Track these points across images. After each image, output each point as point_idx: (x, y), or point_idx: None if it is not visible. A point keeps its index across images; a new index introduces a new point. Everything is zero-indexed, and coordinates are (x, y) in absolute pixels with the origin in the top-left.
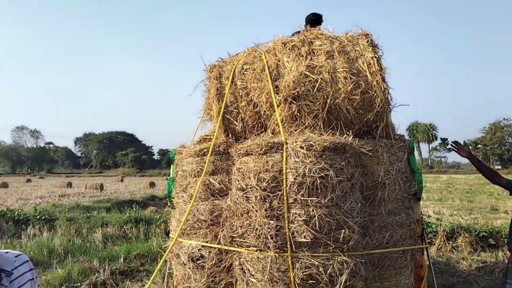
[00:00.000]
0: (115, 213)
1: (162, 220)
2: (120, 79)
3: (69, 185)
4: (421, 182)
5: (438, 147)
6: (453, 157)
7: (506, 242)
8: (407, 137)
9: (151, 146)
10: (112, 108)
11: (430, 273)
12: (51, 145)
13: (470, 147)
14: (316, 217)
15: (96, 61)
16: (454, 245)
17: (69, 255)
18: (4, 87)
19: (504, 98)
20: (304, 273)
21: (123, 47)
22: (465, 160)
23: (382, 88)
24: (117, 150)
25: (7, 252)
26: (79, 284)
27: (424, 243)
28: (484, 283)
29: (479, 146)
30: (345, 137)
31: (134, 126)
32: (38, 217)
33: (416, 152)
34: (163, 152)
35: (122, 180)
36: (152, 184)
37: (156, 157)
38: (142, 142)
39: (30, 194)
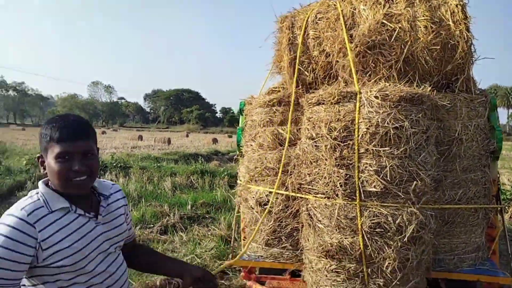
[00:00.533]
0: (182, 164)
1: (225, 173)
2: (185, 38)
3: (140, 138)
4: (501, 141)
5: None
6: None
7: None
8: None
9: (214, 104)
10: (178, 67)
11: (505, 237)
12: (122, 100)
13: None
14: (388, 167)
15: (164, 20)
16: None
17: (143, 200)
18: (80, 44)
19: None
20: (372, 221)
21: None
22: None
23: (465, 38)
24: (183, 107)
25: (104, 181)
26: (152, 225)
27: (499, 203)
28: None
29: None
30: (422, 89)
31: (198, 84)
32: (114, 164)
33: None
34: (225, 111)
35: (187, 136)
36: (215, 140)
37: (218, 115)
38: (206, 100)
39: (106, 145)
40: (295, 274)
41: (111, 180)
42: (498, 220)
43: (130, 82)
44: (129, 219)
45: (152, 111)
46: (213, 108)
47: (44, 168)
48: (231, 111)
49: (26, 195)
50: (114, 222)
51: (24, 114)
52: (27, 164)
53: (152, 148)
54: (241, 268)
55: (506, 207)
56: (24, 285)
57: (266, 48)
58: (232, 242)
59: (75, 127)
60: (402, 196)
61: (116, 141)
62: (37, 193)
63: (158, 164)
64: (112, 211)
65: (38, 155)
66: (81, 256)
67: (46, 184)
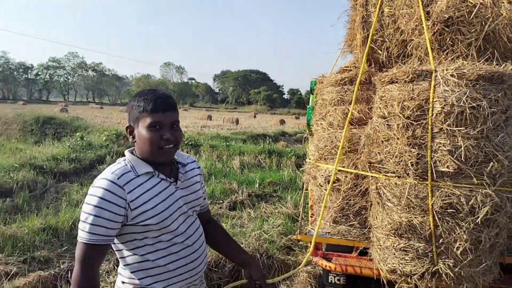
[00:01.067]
0: (250, 144)
1: (292, 153)
2: (255, 19)
3: (209, 117)
4: None
5: None
6: None
7: None
8: None
9: (282, 86)
10: (246, 47)
11: None
12: (193, 81)
13: None
14: (463, 148)
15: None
16: None
17: (212, 177)
18: (152, 27)
19: None
20: (444, 202)
21: None
22: None
23: None
24: (251, 88)
25: (180, 152)
26: (221, 201)
27: None
28: None
29: None
30: (503, 67)
31: (266, 65)
32: (186, 142)
33: None
34: (293, 92)
35: (255, 117)
36: (282, 122)
37: (286, 96)
38: (274, 81)
39: None
40: (362, 253)
41: None
42: None
43: (201, 64)
44: (203, 187)
45: (220, 91)
46: (280, 89)
47: (134, 137)
48: (299, 93)
49: (106, 168)
50: (191, 188)
51: (102, 93)
52: (106, 139)
53: (221, 127)
54: (308, 244)
55: None
56: (114, 243)
57: (338, 28)
58: (300, 219)
59: (165, 100)
60: (477, 177)
61: (187, 120)
62: (124, 160)
63: (227, 143)
64: (189, 178)
65: (127, 125)
66: (165, 216)
67: (131, 152)
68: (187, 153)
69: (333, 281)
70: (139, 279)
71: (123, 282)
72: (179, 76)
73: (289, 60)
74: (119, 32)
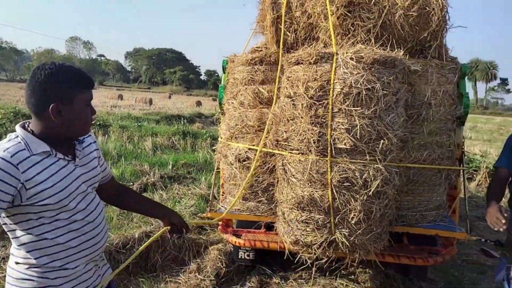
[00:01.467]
0: (163, 125)
1: (208, 134)
2: None
3: (120, 97)
4: (468, 107)
5: (496, 88)
6: (511, 99)
7: None
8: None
9: (199, 66)
10: (161, 25)
11: (464, 199)
12: (102, 58)
13: None
14: (358, 126)
15: None
16: None
17: (122, 158)
18: None
19: None
20: (341, 176)
21: None
22: None
23: (441, 5)
24: (166, 67)
25: None
26: (132, 183)
27: (462, 165)
28: None
29: None
30: (395, 52)
31: (182, 45)
32: (93, 122)
33: (471, 91)
34: (210, 73)
35: (169, 97)
36: (198, 103)
37: (203, 77)
38: (190, 62)
39: None
40: (270, 228)
41: None
42: (460, 182)
43: (111, 40)
44: (102, 160)
45: (133, 70)
46: (197, 70)
47: (61, 116)
48: (216, 74)
49: None
50: (90, 164)
51: None
52: (2, 118)
53: (132, 108)
54: (219, 223)
55: (474, 175)
56: (5, 224)
57: (252, 6)
58: (211, 197)
59: (87, 75)
60: (370, 153)
61: (95, 100)
62: (17, 136)
63: (139, 124)
64: (87, 155)
65: (52, 104)
66: (64, 195)
67: (24, 128)
68: (95, 134)
69: (243, 257)
70: (35, 259)
71: (17, 263)
72: (87, 52)
73: (206, 40)
74: (21, 2)
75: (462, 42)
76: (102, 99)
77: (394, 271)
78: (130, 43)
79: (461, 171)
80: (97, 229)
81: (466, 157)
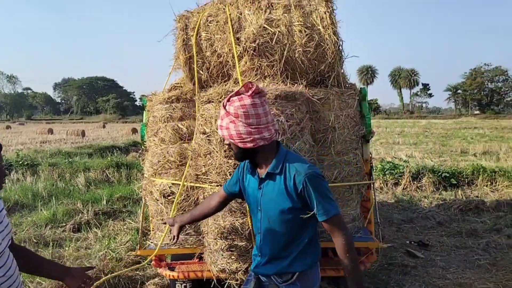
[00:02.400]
0: (97, 158)
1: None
2: (97, 21)
3: (50, 131)
4: (370, 126)
5: (419, 93)
6: (433, 102)
7: None
8: (391, 83)
9: (133, 92)
10: (91, 53)
11: (375, 207)
12: (29, 91)
13: (450, 92)
14: None
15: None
16: (418, 185)
17: (53, 198)
18: None
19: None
20: None
21: None
22: (445, 105)
23: (333, 41)
24: (98, 96)
25: None
26: (64, 224)
27: (371, 179)
28: (440, 218)
29: (459, 91)
30: (296, 86)
31: (114, 71)
32: (20, 162)
33: (397, 98)
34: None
35: (104, 127)
36: (134, 130)
37: (138, 103)
38: (124, 88)
39: (11, 141)
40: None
41: (17, 179)
42: (371, 194)
43: (37, 72)
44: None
45: (63, 101)
46: (131, 96)
47: None
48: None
49: None
50: (4, 221)
51: None
52: None
53: (64, 142)
54: (153, 258)
55: (399, 180)
56: None
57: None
58: (140, 234)
59: None
60: None
61: (23, 136)
62: None
63: (70, 160)
64: (0, 211)
65: None
66: None
67: None
68: (23, 174)
69: None
70: None
71: None
72: (11, 86)
73: (138, 66)
74: None
75: (386, 51)
76: (31, 135)
77: (327, 284)
78: (59, 74)
79: (371, 184)
80: (15, 283)
81: (391, 163)
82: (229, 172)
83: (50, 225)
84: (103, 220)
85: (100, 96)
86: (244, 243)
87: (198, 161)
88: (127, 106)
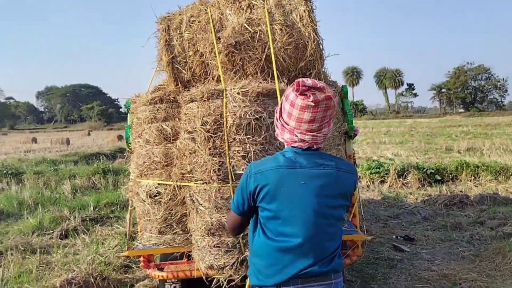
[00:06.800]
0: (82, 165)
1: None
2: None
3: (34, 140)
4: (352, 122)
5: (404, 93)
6: (419, 101)
7: None
8: (377, 84)
9: (117, 99)
10: (73, 61)
11: (359, 201)
12: (11, 100)
13: (435, 92)
14: (252, 152)
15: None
16: (404, 182)
17: (39, 206)
18: None
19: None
20: None
21: None
22: (430, 105)
23: (313, 38)
24: (82, 103)
25: None
26: (51, 231)
27: None
28: (425, 213)
29: (443, 90)
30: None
31: (98, 78)
32: (4, 171)
33: (383, 98)
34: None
35: (89, 134)
36: (120, 137)
37: (123, 109)
38: (108, 95)
39: None
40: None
41: (2, 189)
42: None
43: (19, 81)
44: None
45: (46, 110)
46: (116, 103)
47: None
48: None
49: None
50: None
51: None
52: None
53: (48, 150)
54: (141, 259)
55: (385, 177)
56: None
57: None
58: (128, 235)
59: None
60: None
61: (6, 146)
62: None
63: (55, 167)
64: None
65: None
66: None
67: None
68: (8, 184)
69: None
70: None
71: None
72: None
73: (121, 72)
74: None
75: (371, 52)
76: (14, 144)
77: None
78: (41, 82)
79: None
80: None
81: (377, 162)
82: (213, 170)
83: (37, 233)
84: (90, 226)
85: (84, 103)
86: (231, 238)
87: (183, 160)
88: (112, 113)
